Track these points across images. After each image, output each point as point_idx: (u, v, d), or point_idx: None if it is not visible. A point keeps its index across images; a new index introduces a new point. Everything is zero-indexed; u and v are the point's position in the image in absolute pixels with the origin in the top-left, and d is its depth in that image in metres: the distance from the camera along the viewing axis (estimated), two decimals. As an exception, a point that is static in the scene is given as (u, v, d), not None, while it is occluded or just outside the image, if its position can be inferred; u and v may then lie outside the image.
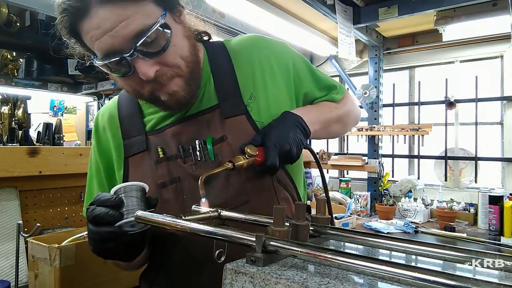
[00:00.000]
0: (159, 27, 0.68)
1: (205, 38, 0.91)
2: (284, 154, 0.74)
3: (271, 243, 0.49)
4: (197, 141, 0.80)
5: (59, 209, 1.63)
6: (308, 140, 0.83)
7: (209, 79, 0.85)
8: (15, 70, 4.44)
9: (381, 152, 3.25)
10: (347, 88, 3.37)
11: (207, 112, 0.82)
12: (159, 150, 0.82)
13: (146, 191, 0.71)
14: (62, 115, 5.05)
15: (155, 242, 0.89)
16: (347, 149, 3.63)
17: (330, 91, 0.96)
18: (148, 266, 0.92)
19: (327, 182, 0.98)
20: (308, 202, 1.36)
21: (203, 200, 0.68)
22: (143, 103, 0.87)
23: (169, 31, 0.71)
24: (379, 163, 3.17)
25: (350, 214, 2.72)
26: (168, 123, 0.84)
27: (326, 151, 3.36)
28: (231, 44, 0.90)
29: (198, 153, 0.80)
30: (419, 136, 3.00)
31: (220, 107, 0.82)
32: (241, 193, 0.79)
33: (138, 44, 0.67)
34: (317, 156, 0.90)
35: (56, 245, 1.07)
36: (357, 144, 3.32)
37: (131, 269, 0.95)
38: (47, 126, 3.06)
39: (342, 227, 0.67)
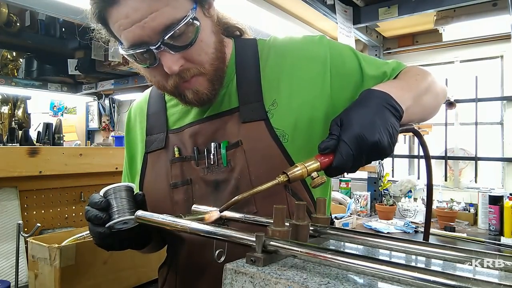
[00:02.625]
0: (188, 21, 0.67)
1: (237, 33, 0.89)
2: (369, 148, 0.57)
3: (271, 243, 0.49)
4: (212, 144, 0.79)
5: (59, 209, 1.63)
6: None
7: (232, 79, 0.82)
8: (15, 70, 4.44)
9: (381, 152, 3.25)
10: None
11: (226, 114, 0.80)
12: (176, 149, 0.82)
13: (134, 189, 0.74)
14: (62, 115, 5.05)
15: (168, 237, 0.91)
16: (347, 149, 3.62)
17: (393, 72, 0.82)
18: (164, 260, 0.94)
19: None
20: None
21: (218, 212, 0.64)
22: (168, 98, 0.88)
23: (197, 26, 0.69)
24: (379, 163, 3.17)
25: (350, 214, 2.71)
26: (188, 123, 0.84)
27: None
28: (264, 43, 0.86)
29: (212, 156, 0.79)
30: (419, 136, 2.99)
31: (239, 111, 0.79)
32: (249, 203, 0.76)
33: (165, 37, 0.66)
34: (423, 138, 0.73)
35: (56, 245, 1.07)
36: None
37: (149, 252, 0.99)
38: (47, 126, 3.06)
39: (342, 227, 0.67)
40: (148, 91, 0.96)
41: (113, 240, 0.73)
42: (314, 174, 0.57)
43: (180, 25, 0.66)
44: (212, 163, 0.79)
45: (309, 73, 0.79)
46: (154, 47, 0.67)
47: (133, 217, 0.67)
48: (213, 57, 0.74)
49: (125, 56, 0.72)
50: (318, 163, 0.58)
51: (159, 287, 0.94)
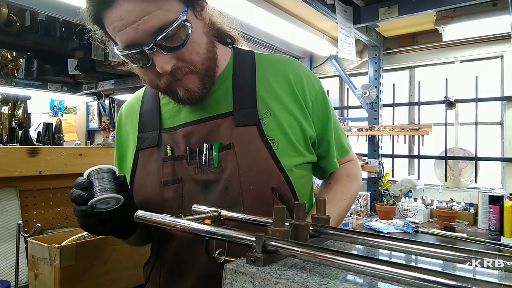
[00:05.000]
0: (179, 23, 0.70)
1: (228, 40, 0.92)
2: None
3: (271, 243, 0.49)
4: (205, 145, 0.81)
5: (59, 209, 1.63)
6: None
7: (229, 85, 0.85)
8: (15, 70, 4.44)
9: (381, 152, 3.25)
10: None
11: (220, 117, 0.82)
12: (168, 148, 0.84)
13: (116, 172, 0.76)
14: (62, 115, 5.05)
15: (154, 235, 0.91)
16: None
17: (340, 149, 0.96)
18: (149, 257, 0.95)
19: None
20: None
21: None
22: (161, 96, 0.90)
23: (189, 28, 0.72)
24: (379, 163, 3.17)
25: (350, 214, 2.71)
26: (181, 123, 0.85)
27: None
28: (261, 56, 0.91)
29: (203, 157, 0.80)
30: (419, 136, 3.00)
31: (233, 115, 0.82)
32: (238, 204, 0.78)
33: (158, 39, 0.69)
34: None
35: (56, 245, 1.07)
36: (357, 144, 3.33)
37: (134, 245, 1.01)
38: (47, 126, 3.06)
39: (342, 227, 0.67)
40: (141, 90, 0.98)
41: (95, 220, 0.74)
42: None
43: (172, 27, 0.69)
44: (203, 163, 0.81)
45: (302, 97, 0.86)
46: (147, 48, 0.70)
47: (113, 195, 0.71)
48: (204, 57, 0.77)
49: (120, 56, 0.75)
50: None
51: (144, 285, 0.95)
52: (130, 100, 0.99)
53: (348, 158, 1.00)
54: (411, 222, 2.63)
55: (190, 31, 0.72)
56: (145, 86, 0.97)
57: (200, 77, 0.77)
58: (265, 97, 0.83)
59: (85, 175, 0.74)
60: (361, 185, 1.00)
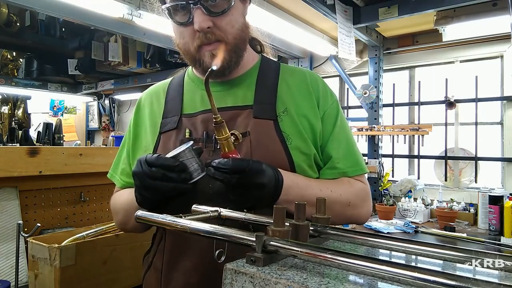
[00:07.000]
0: None
1: (258, 48, 0.99)
2: (243, 184, 0.70)
3: (271, 243, 0.49)
4: None
5: (59, 209, 1.63)
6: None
7: (253, 81, 0.91)
8: (15, 70, 4.44)
9: (381, 152, 3.25)
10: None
11: (240, 109, 0.87)
12: (187, 131, 0.88)
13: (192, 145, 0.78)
14: (62, 115, 5.06)
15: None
16: (347, 149, 3.62)
17: (354, 165, 0.90)
18: (150, 247, 0.97)
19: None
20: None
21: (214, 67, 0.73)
22: (186, 86, 0.96)
23: (232, 1, 0.80)
24: (379, 163, 3.17)
25: (350, 214, 2.71)
26: (201, 109, 0.90)
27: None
28: (285, 65, 0.97)
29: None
30: (419, 136, 3.00)
31: (253, 108, 0.86)
32: None
33: None
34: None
35: (56, 245, 1.07)
36: (357, 144, 3.32)
37: (137, 231, 1.00)
38: (47, 126, 3.06)
39: (342, 227, 0.67)
40: (167, 80, 1.02)
41: (176, 194, 0.74)
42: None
43: None
44: (218, 148, 0.83)
45: (317, 103, 0.90)
46: (192, 2, 0.78)
47: (204, 173, 0.74)
48: (237, 33, 0.84)
49: (165, 13, 0.83)
50: (232, 148, 0.74)
51: (143, 274, 0.96)
52: (156, 86, 1.03)
53: (361, 179, 0.93)
54: (411, 222, 2.63)
55: (232, 4, 0.80)
56: (170, 78, 1.02)
57: (228, 49, 0.83)
58: (284, 98, 0.88)
59: (171, 154, 0.74)
60: (359, 212, 0.91)
